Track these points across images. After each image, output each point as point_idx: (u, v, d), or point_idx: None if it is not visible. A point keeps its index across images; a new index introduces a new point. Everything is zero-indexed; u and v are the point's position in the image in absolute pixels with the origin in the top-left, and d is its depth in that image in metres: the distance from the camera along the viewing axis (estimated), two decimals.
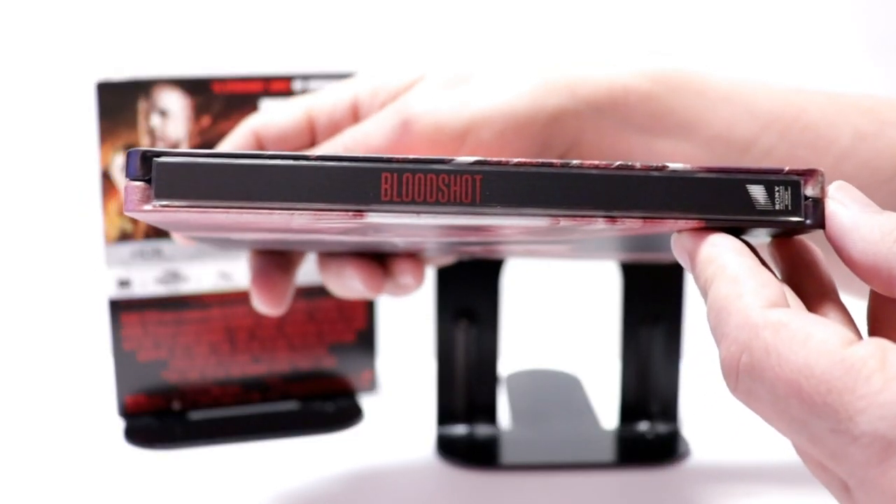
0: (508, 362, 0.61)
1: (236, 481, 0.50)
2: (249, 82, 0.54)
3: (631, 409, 0.55)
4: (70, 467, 0.51)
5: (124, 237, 0.54)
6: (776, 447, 0.53)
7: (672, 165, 0.29)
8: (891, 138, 0.39)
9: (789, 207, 0.29)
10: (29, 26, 0.73)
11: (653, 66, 0.40)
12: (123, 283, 0.54)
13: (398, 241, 0.37)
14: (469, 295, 0.53)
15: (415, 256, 0.45)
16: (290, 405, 0.58)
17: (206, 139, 0.54)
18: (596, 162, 0.29)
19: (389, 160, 0.28)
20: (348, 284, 0.44)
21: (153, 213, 0.29)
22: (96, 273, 0.56)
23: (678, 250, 0.30)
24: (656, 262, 0.50)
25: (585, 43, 0.79)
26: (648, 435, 0.54)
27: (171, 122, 0.54)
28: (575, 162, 0.29)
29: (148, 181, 0.29)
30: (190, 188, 0.28)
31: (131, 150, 0.29)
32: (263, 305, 0.46)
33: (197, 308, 0.56)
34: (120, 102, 0.52)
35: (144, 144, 0.53)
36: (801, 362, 0.25)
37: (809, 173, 0.29)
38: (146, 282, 0.55)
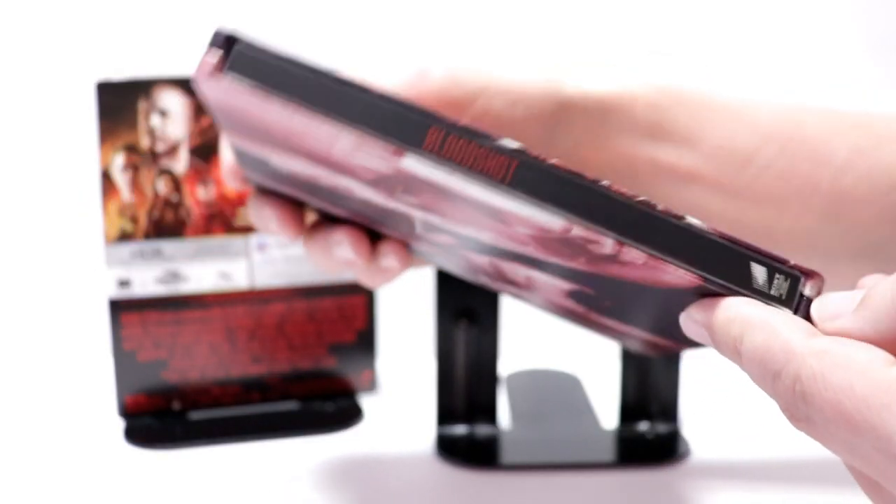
0: (508, 362, 0.61)
1: (236, 482, 0.50)
2: None
3: (631, 409, 0.55)
4: (70, 468, 0.51)
5: (124, 237, 0.54)
6: (776, 447, 0.53)
7: (690, 220, 0.30)
8: (887, 153, 0.40)
9: (783, 297, 0.30)
10: (28, 25, 0.73)
11: (661, 77, 0.41)
12: (123, 283, 0.54)
13: (416, 214, 0.37)
14: (469, 295, 0.53)
15: (405, 246, 0.45)
16: (290, 405, 0.58)
17: (207, 139, 0.54)
18: (624, 190, 0.30)
19: (442, 119, 0.30)
20: (334, 250, 0.44)
21: (219, 85, 0.30)
22: (96, 273, 0.56)
23: (691, 326, 0.31)
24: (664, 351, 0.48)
25: (586, 42, 0.79)
26: (648, 435, 0.54)
27: (172, 122, 0.54)
28: (605, 182, 0.30)
29: (226, 54, 0.30)
30: (261, 73, 0.30)
31: (217, 29, 0.30)
32: (278, 226, 0.45)
33: (197, 308, 0.56)
34: (120, 102, 0.52)
35: (145, 145, 0.53)
36: (844, 383, 0.25)
37: (813, 274, 0.30)
38: (146, 282, 0.55)
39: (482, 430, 0.54)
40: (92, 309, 0.62)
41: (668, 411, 0.54)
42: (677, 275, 0.30)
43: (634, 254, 0.30)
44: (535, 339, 0.69)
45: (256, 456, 0.52)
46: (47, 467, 0.51)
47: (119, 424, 0.55)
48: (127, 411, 0.56)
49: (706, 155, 0.40)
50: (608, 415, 0.57)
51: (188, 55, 0.74)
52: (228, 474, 0.50)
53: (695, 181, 0.40)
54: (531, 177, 0.30)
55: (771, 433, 0.54)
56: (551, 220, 0.30)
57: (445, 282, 0.53)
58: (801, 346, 0.27)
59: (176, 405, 0.56)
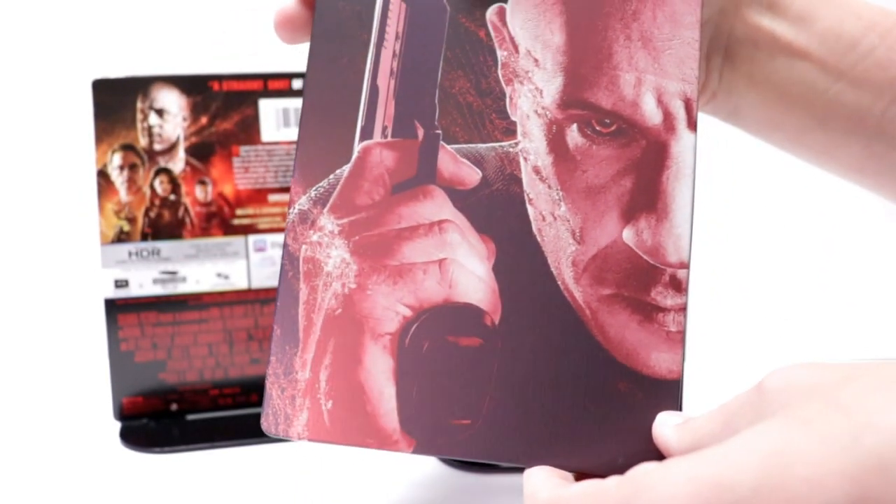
0: None
1: (235, 485, 0.49)
2: (248, 81, 0.54)
3: None
4: (65, 471, 0.50)
5: (121, 237, 0.54)
6: None
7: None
8: None
9: None
10: (25, 23, 0.73)
11: None
12: (120, 284, 0.54)
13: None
14: None
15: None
16: None
17: (204, 138, 0.54)
18: None
19: None
20: None
21: None
22: (93, 273, 0.56)
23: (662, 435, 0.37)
24: None
25: None
26: None
27: (169, 120, 0.53)
28: None
29: None
30: None
31: None
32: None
33: (195, 309, 0.55)
34: (116, 101, 0.52)
35: (142, 144, 0.53)
36: None
37: None
38: (143, 282, 0.54)
39: None
40: (88, 310, 0.61)
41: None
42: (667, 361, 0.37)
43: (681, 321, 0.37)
44: None
45: (255, 459, 0.52)
46: (43, 470, 0.50)
47: (115, 427, 0.54)
48: (123, 413, 0.55)
49: (817, 36, 0.44)
50: None
51: (186, 53, 0.74)
52: (227, 478, 0.50)
53: (805, 59, 0.44)
54: None
55: None
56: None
57: None
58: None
59: (173, 407, 0.56)
